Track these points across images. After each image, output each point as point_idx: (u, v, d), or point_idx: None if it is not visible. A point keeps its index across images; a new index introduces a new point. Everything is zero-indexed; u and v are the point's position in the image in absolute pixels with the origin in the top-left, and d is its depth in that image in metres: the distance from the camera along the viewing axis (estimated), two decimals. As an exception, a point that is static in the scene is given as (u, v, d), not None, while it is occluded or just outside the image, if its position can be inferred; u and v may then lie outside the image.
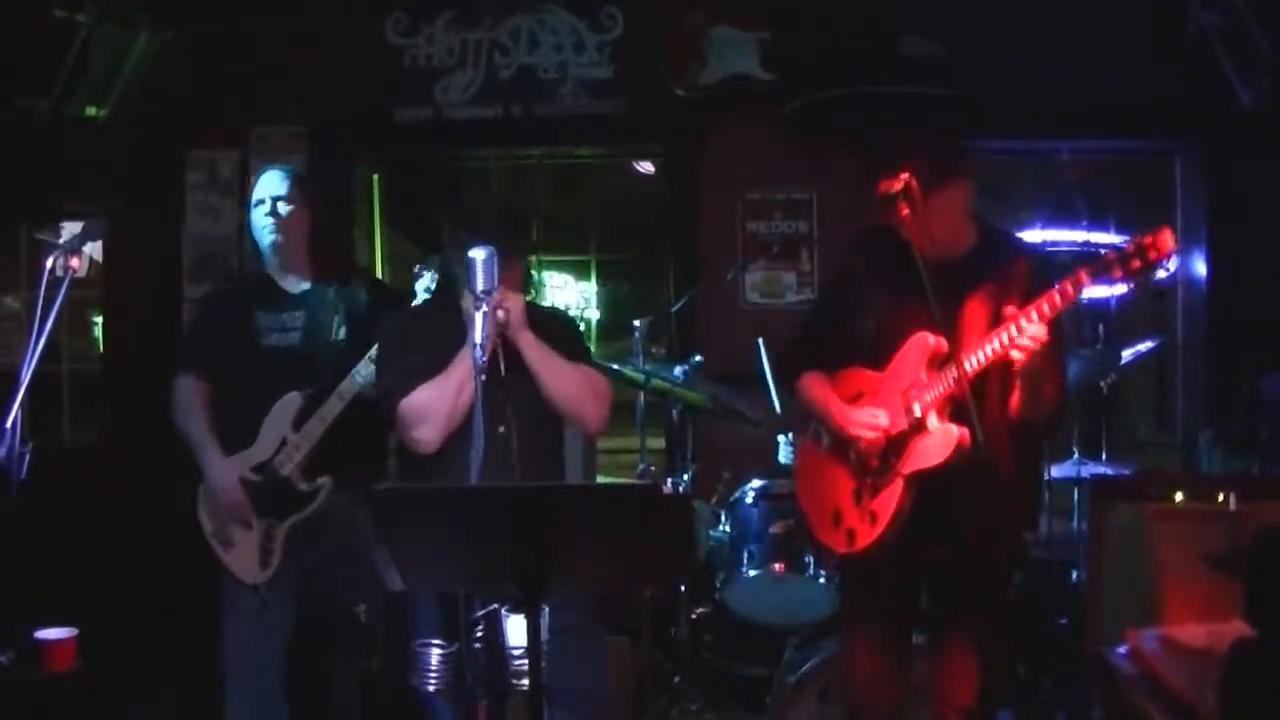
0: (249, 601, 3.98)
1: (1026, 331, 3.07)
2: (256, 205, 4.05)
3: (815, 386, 3.57)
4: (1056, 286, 3.05)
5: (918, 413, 3.30)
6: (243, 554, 3.99)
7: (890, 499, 3.33)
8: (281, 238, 4.03)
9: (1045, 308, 3.06)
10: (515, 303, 3.39)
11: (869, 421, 3.38)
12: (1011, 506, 3.33)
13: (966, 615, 3.44)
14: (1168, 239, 2.90)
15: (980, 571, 3.38)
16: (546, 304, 4.96)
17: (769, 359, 4.84)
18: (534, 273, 4.58)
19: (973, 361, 3.18)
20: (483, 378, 3.07)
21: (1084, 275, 2.99)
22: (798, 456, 3.79)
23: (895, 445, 3.35)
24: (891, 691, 3.53)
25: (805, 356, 3.65)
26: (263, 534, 3.97)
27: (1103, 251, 2.98)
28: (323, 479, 3.96)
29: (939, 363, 3.29)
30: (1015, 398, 3.24)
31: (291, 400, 3.95)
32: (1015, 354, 3.10)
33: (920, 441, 3.29)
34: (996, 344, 3.15)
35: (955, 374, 3.15)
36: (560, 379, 3.47)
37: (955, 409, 3.24)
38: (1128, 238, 3.00)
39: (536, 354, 3.43)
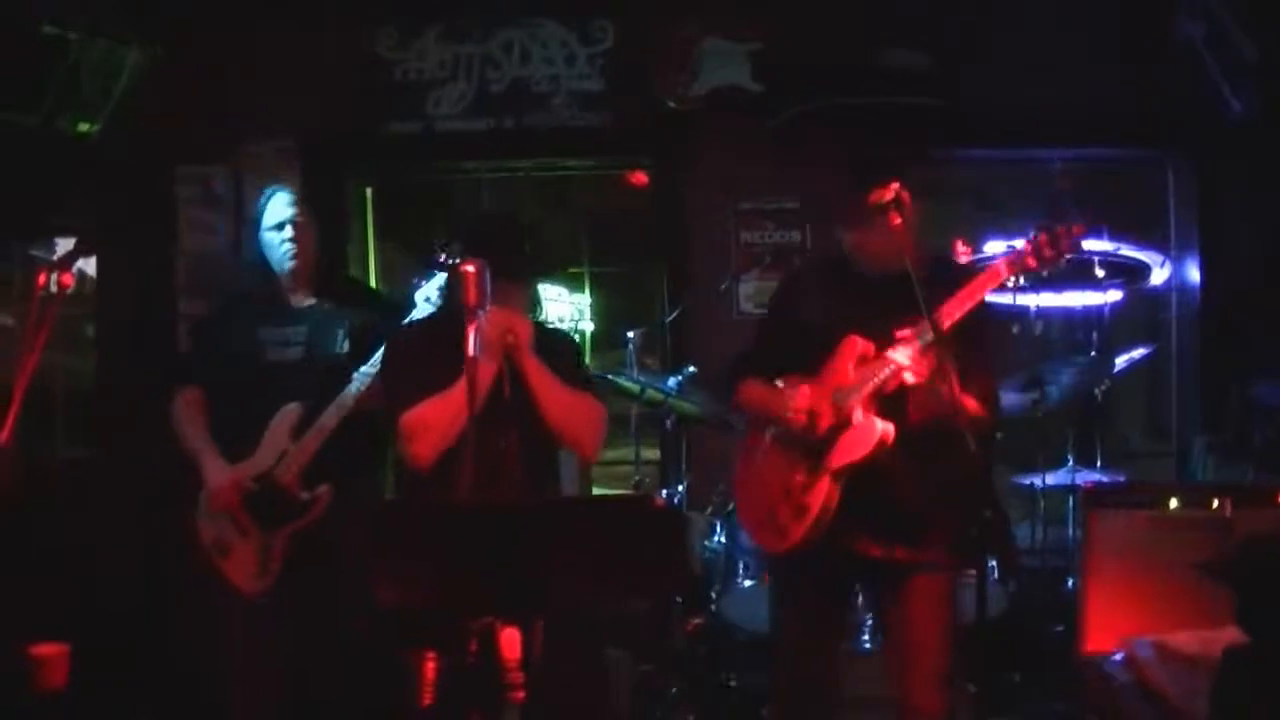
0: (245, 611, 3.99)
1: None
2: (276, 228, 4.14)
3: (751, 388, 3.66)
4: (976, 278, 3.29)
5: (843, 407, 3.37)
6: (241, 562, 4.01)
7: (819, 494, 3.41)
8: (299, 260, 4.14)
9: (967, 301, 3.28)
10: (524, 328, 3.44)
11: (796, 398, 3.45)
12: (946, 506, 3.36)
13: (908, 616, 3.48)
14: (1079, 229, 3.23)
15: (915, 571, 3.44)
16: (550, 323, 4.96)
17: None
18: (539, 293, 4.61)
19: (899, 357, 3.30)
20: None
21: (1003, 266, 3.30)
22: (736, 463, 3.82)
23: (825, 442, 3.42)
24: (819, 665, 3.60)
25: (744, 371, 3.72)
26: (261, 543, 3.99)
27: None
28: (321, 488, 4.00)
29: (867, 361, 3.40)
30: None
31: (290, 411, 4.01)
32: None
33: (846, 436, 3.38)
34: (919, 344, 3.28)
35: (881, 368, 3.30)
36: (560, 406, 3.52)
37: (883, 405, 3.35)
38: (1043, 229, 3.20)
39: (539, 380, 3.47)
